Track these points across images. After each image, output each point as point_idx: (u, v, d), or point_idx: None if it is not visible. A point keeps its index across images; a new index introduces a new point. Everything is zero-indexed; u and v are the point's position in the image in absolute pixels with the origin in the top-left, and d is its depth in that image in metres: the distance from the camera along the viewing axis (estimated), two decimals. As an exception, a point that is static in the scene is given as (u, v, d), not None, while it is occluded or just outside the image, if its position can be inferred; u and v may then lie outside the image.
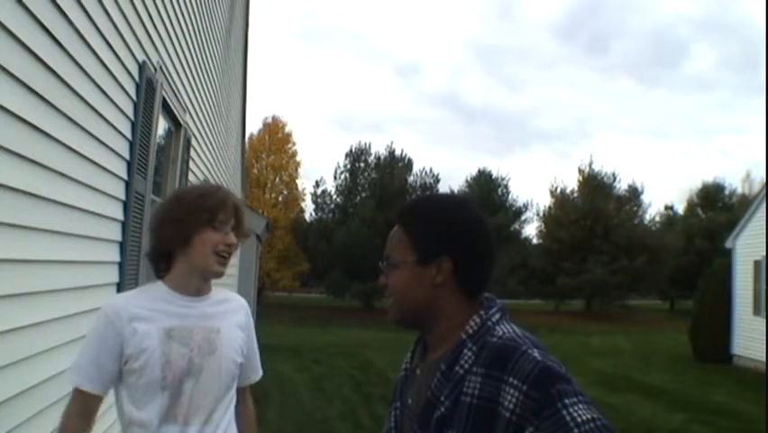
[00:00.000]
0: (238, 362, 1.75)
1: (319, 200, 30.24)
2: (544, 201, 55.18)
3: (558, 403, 0.94)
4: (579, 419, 0.93)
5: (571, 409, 0.94)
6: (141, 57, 3.14)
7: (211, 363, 1.66)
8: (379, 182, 28.75)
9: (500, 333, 1.09)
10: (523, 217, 31.88)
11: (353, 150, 30.48)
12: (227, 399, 1.73)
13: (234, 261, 7.05)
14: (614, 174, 30.42)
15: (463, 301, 1.15)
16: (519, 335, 1.09)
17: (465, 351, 1.09)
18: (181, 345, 1.62)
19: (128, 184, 3.08)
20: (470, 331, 1.11)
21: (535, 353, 1.02)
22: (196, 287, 1.70)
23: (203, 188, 1.79)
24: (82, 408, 1.60)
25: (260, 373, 1.93)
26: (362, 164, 30.21)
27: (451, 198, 1.30)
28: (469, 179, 32.62)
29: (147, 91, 3.25)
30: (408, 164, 30.19)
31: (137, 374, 1.58)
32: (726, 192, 34.20)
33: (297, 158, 30.63)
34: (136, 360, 1.57)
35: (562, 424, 0.93)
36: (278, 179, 30.12)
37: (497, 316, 1.13)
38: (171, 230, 1.65)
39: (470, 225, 1.16)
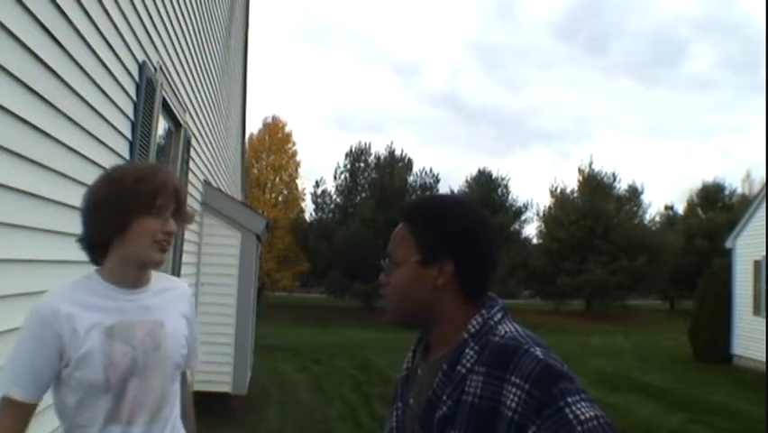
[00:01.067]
0: (183, 354, 1.66)
1: (319, 200, 30.23)
2: (544, 201, 55.22)
3: (560, 402, 0.94)
4: (582, 417, 0.92)
5: (573, 407, 0.94)
6: (141, 57, 3.14)
7: (156, 360, 1.56)
8: (379, 182, 28.73)
9: (502, 332, 1.09)
10: (523, 217, 31.88)
11: (353, 150, 30.48)
12: (172, 393, 1.64)
13: (234, 261, 7.05)
14: (614, 174, 30.46)
15: (464, 303, 1.14)
16: (521, 334, 1.09)
17: (467, 350, 1.08)
18: (123, 344, 1.51)
19: (128, 184, 3.08)
20: (473, 330, 1.10)
21: (537, 351, 1.02)
22: (135, 277, 1.57)
23: (141, 169, 1.62)
24: (15, 418, 1.45)
25: (199, 359, 1.83)
26: (362, 164, 30.19)
27: (455, 199, 1.28)
28: (469, 179, 32.63)
29: (147, 91, 3.25)
30: (408, 164, 30.18)
31: (78, 378, 1.46)
32: (726, 192, 34.19)
33: (297, 158, 30.65)
34: (77, 363, 1.46)
35: (565, 422, 0.92)
36: (278, 179, 30.12)
37: (498, 315, 1.13)
38: (107, 216, 1.50)
39: (474, 227, 1.15)
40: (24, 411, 1.46)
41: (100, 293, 1.53)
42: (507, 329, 1.10)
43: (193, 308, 1.76)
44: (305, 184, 48.39)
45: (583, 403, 0.94)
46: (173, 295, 1.68)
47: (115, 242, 1.53)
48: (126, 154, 3.06)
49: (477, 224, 1.16)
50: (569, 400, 0.94)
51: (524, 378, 0.98)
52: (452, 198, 1.30)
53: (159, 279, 1.68)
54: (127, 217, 1.50)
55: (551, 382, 0.97)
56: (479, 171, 32.37)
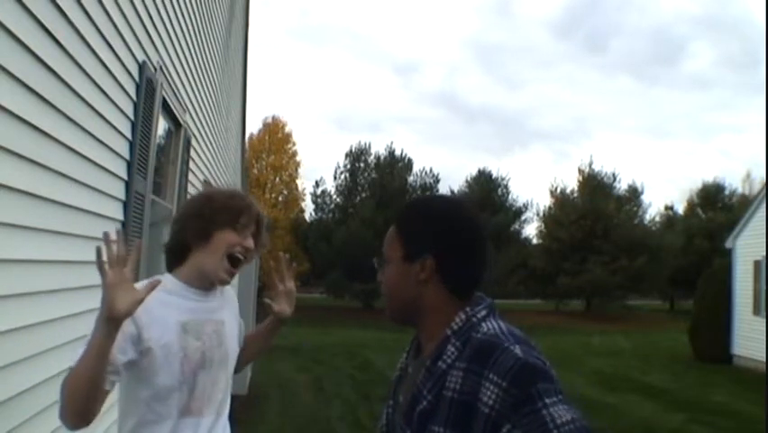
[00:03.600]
0: (237, 351, 1.81)
1: (319, 200, 30.25)
2: (544, 201, 55.15)
3: (538, 402, 0.95)
4: (558, 420, 0.93)
5: (551, 409, 0.94)
6: (141, 57, 3.14)
7: (220, 355, 1.70)
8: (379, 182, 28.74)
9: (485, 329, 1.11)
10: (523, 217, 31.89)
11: (353, 150, 30.49)
12: (229, 386, 1.78)
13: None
14: (614, 174, 30.49)
15: (449, 300, 1.17)
16: (504, 331, 1.10)
17: (449, 346, 1.11)
18: (195, 339, 1.64)
19: (128, 184, 3.08)
20: (455, 327, 1.13)
21: (517, 349, 1.03)
22: (204, 286, 1.72)
23: (233, 190, 1.83)
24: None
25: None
26: (362, 164, 30.20)
27: (444, 199, 1.34)
28: (469, 179, 32.64)
29: (147, 91, 3.25)
30: (408, 164, 30.19)
31: (154, 369, 1.56)
32: (726, 192, 34.21)
33: (297, 158, 30.66)
34: (155, 353, 1.55)
35: (541, 423, 0.93)
36: (278, 179, 30.13)
37: (483, 313, 1.15)
38: (194, 225, 1.67)
39: (456, 225, 1.19)
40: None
41: (177, 293, 1.66)
42: (490, 327, 1.12)
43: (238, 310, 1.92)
44: (305, 184, 48.35)
45: (561, 406, 0.95)
46: (228, 297, 1.83)
47: (196, 249, 1.68)
48: (126, 154, 3.06)
49: (459, 222, 1.20)
50: (547, 401, 0.95)
51: (502, 376, 0.99)
52: (441, 198, 1.35)
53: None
54: (213, 227, 1.65)
55: (529, 381, 0.98)
56: (479, 171, 32.40)
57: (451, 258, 1.16)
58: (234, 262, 1.68)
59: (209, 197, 1.74)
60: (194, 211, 1.70)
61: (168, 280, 1.68)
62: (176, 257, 1.71)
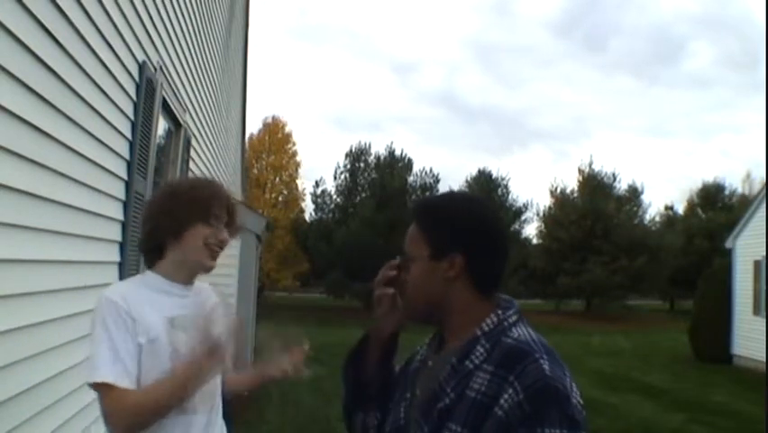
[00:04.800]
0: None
1: (319, 200, 30.21)
2: (544, 201, 55.14)
3: (537, 428, 0.97)
4: None
5: None
6: (141, 57, 3.14)
7: None
8: (379, 182, 28.71)
9: (516, 334, 1.11)
10: (523, 217, 31.87)
11: (353, 150, 30.46)
12: (219, 383, 1.76)
13: (234, 261, 7.05)
14: (614, 174, 30.48)
15: (476, 298, 1.17)
16: (534, 339, 1.11)
17: (478, 347, 1.11)
18: (183, 334, 1.62)
19: (128, 184, 3.08)
20: (486, 329, 1.13)
21: (546, 364, 1.03)
22: (187, 277, 1.69)
23: (196, 180, 1.78)
24: (119, 400, 1.47)
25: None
26: (362, 164, 30.17)
27: (463, 195, 1.37)
28: (469, 179, 32.64)
29: (147, 91, 3.25)
30: (408, 164, 30.15)
31: (144, 365, 1.55)
32: (726, 192, 34.21)
33: (297, 158, 30.69)
34: (145, 350, 1.55)
35: None
36: (278, 179, 30.16)
37: (514, 318, 1.15)
38: (164, 222, 1.63)
39: (483, 221, 1.19)
40: (120, 393, 1.48)
41: (159, 288, 1.64)
42: (521, 333, 1.12)
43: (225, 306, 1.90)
44: (305, 184, 48.36)
45: None
46: (209, 293, 1.81)
47: (171, 245, 1.65)
48: (126, 154, 3.06)
49: (485, 218, 1.20)
50: (546, 430, 0.97)
51: (523, 387, 1.00)
52: (459, 195, 1.35)
53: (196, 283, 1.80)
54: (183, 224, 1.62)
55: (543, 403, 0.99)
56: (479, 171, 32.40)
57: (480, 256, 1.16)
58: (212, 253, 1.66)
59: (173, 191, 1.70)
60: (161, 209, 1.66)
61: (151, 277, 1.66)
62: (153, 254, 1.69)
